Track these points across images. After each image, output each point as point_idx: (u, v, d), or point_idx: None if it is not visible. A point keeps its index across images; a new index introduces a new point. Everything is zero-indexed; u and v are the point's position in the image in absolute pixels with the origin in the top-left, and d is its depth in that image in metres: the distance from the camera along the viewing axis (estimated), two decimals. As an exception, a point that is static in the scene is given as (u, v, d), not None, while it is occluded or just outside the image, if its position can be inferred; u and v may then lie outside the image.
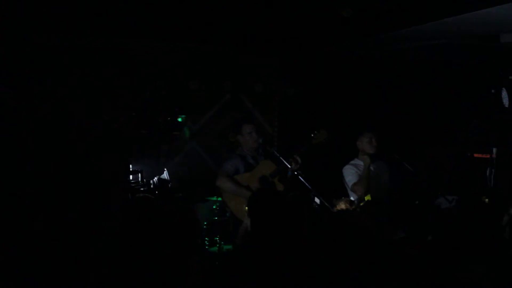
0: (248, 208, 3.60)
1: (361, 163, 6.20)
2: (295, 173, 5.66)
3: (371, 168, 6.18)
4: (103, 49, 7.68)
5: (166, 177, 6.37)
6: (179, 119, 7.75)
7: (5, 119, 7.29)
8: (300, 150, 5.83)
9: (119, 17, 6.42)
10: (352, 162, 6.30)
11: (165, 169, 6.84)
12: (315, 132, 5.93)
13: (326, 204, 5.37)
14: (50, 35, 7.22)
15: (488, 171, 6.35)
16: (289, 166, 5.70)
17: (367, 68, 7.96)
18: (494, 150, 6.43)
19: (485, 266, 2.93)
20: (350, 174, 6.18)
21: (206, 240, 6.63)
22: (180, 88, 8.02)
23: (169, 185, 6.44)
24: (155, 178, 6.38)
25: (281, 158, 5.75)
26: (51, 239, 3.56)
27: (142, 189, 6.30)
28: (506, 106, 6.45)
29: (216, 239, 6.51)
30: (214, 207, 7.05)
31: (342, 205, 5.70)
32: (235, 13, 6.28)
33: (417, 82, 8.03)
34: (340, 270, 3.08)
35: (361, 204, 5.58)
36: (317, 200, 5.62)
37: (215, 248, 6.53)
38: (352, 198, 6.05)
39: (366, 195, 5.90)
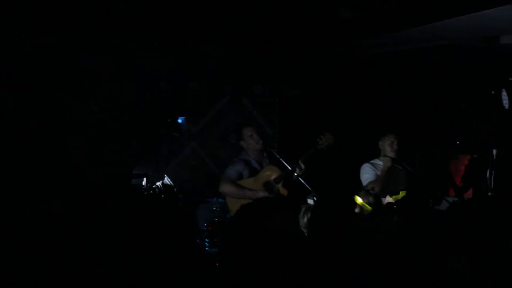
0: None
1: (381, 163, 6.16)
2: (295, 174, 5.66)
3: (390, 171, 6.13)
4: (104, 49, 7.68)
5: (169, 183, 6.37)
6: (179, 121, 7.75)
7: (5, 119, 7.29)
8: (305, 155, 5.81)
9: (119, 17, 6.42)
10: (371, 161, 6.27)
11: (165, 175, 6.79)
12: (321, 136, 5.90)
13: (325, 205, 5.36)
14: (50, 35, 7.22)
15: (488, 172, 6.35)
16: (293, 171, 5.68)
17: (367, 69, 7.96)
18: (494, 151, 6.43)
19: (484, 266, 2.93)
20: (367, 173, 6.14)
21: (206, 241, 6.63)
22: (180, 89, 8.02)
23: (175, 189, 6.48)
24: (159, 182, 6.38)
25: (281, 160, 5.75)
26: (50, 239, 3.55)
27: (146, 193, 6.30)
28: (506, 107, 6.45)
29: (216, 241, 6.51)
30: (214, 208, 7.05)
31: (359, 200, 5.68)
32: (235, 14, 6.28)
33: (417, 83, 8.04)
34: (340, 270, 3.08)
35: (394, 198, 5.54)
36: (310, 201, 5.64)
37: (215, 249, 6.53)
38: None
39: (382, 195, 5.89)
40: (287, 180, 5.82)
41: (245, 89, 8.23)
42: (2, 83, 7.22)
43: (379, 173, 6.10)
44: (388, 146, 6.18)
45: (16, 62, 7.29)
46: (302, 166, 5.72)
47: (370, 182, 6.05)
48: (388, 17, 6.06)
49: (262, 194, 5.73)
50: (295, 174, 5.68)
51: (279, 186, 5.82)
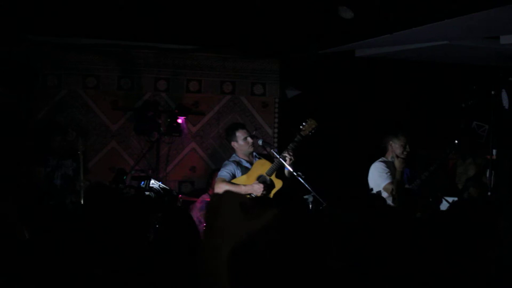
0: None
1: (390, 161, 6.11)
2: (295, 174, 5.67)
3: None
4: (104, 49, 7.68)
5: (160, 186, 6.36)
6: (179, 121, 7.76)
7: (5, 119, 7.29)
8: (291, 143, 5.85)
9: (120, 18, 6.43)
10: (381, 160, 6.19)
11: (152, 180, 6.65)
12: (303, 123, 5.93)
13: (324, 204, 5.38)
14: (50, 35, 7.22)
15: (488, 173, 6.35)
16: (283, 160, 5.73)
17: (367, 69, 7.96)
18: (494, 151, 6.43)
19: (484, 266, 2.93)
20: (383, 172, 6.07)
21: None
22: (180, 89, 8.02)
23: (174, 192, 6.50)
24: (157, 184, 6.37)
25: (279, 158, 5.78)
26: (50, 239, 3.56)
27: (147, 193, 6.29)
28: (506, 107, 6.45)
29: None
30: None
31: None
32: (235, 14, 6.29)
33: (417, 83, 8.03)
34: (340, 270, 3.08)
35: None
36: (309, 199, 5.66)
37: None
38: (383, 196, 5.98)
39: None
40: (280, 172, 5.87)
41: (245, 89, 8.23)
42: (2, 83, 7.23)
43: (390, 171, 6.04)
44: (400, 147, 6.08)
45: (16, 62, 7.30)
46: (290, 153, 5.76)
47: (390, 184, 5.98)
48: (388, 17, 6.06)
49: (257, 186, 5.79)
50: (286, 163, 5.73)
51: (273, 177, 5.87)
